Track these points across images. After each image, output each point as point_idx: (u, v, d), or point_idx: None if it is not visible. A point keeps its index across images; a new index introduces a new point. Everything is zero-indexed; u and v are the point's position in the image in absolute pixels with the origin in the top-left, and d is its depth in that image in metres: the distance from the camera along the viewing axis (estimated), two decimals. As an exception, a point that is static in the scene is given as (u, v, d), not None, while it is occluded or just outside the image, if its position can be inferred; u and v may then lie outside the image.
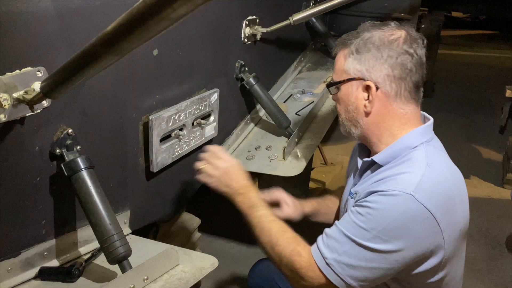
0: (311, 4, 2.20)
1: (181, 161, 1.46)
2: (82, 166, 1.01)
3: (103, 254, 1.03)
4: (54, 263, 1.11)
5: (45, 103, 0.97)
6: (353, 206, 1.08)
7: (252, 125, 1.92)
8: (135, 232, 1.35)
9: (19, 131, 0.95)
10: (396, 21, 1.15)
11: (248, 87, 1.72)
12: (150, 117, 1.25)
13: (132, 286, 0.97)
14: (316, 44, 2.54)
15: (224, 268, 2.38)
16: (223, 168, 1.24)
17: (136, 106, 1.25)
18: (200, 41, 1.44)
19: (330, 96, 1.25)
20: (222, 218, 2.80)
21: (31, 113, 0.94)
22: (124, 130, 1.23)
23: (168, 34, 1.28)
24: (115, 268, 1.04)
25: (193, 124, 1.45)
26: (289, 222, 1.21)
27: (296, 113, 1.99)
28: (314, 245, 1.09)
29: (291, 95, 2.13)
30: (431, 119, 1.18)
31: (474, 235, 2.80)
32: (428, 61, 1.16)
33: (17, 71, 0.89)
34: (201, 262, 1.13)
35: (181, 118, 1.37)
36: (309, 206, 1.46)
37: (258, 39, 1.75)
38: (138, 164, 1.32)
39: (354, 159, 1.32)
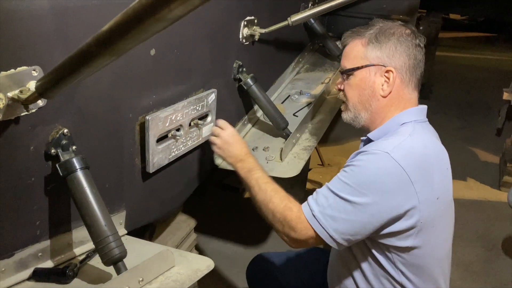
0: (310, 5, 2.20)
1: (177, 161, 1.45)
2: (77, 166, 1.00)
3: (98, 255, 1.02)
4: (49, 264, 1.10)
5: (40, 102, 0.96)
6: None
7: (249, 125, 1.91)
8: (131, 233, 1.35)
9: (14, 131, 0.93)
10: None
11: (245, 88, 1.71)
12: (147, 117, 1.24)
13: (127, 288, 0.96)
14: (314, 45, 2.53)
15: (220, 269, 2.38)
16: (224, 138, 1.40)
17: (133, 106, 1.24)
18: (198, 41, 1.43)
19: (337, 85, 1.34)
20: (218, 219, 2.80)
21: (26, 113, 0.93)
22: (120, 130, 1.22)
23: (165, 34, 1.27)
24: (110, 269, 1.03)
25: (190, 125, 1.44)
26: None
27: (293, 114, 1.98)
28: (305, 202, 1.19)
29: (289, 96, 2.12)
30: (425, 106, 1.29)
31: (470, 237, 2.80)
32: (426, 63, 1.29)
33: (12, 70, 0.88)
34: (197, 264, 1.12)
35: (178, 118, 1.36)
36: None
37: (256, 39, 1.74)
38: (134, 164, 1.31)
39: None
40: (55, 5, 0.94)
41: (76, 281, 1.07)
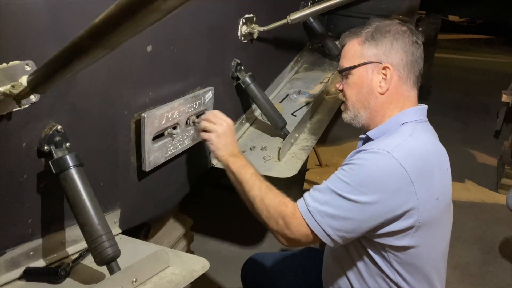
0: (309, 3, 2.18)
1: (174, 160, 1.43)
2: (71, 164, 0.98)
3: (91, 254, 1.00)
4: (41, 263, 1.08)
5: (33, 98, 0.93)
6: None
7: (247, 125, 1.90)
8: (125, 232, 1.33)
9: (6, 126, 0.91)
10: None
11: (243, 86, 1.69)
12: (143, 114, 1.22)
13: (120, 288, 0.94)
14: (313, 44, 2.52)
15: (216, 269, 2.36)
16: (219, 131, 1.35)
17: (128, 103, 1.22)
18: (195, 38, 1.41)
19: (336, 85, 1.33)
20: (214, 218, 2.79)
21: (19, 108, 0.91)
22: (115, 128, 1.20)
23: (163, 30, 1.26)
24: (103, 269, 1.01)
25: (187, 123, 1.42)
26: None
27: (292, 114, 1.97)
28: (301, 198, 1.18)
29: (287, 95, 2.11)
30: (426, 105, 1.28)
31: (467, 239, 2.79)
32: (424, 64, 1.27)
33: (4, 64, 0.86)
34: (192, 264, 1.10)
35: (174, 116, 1.34)
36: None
37: (255, 37, 1.73)
38: (130, 162, 1.29)
39: None
40: (49, -2, 0.92)
41: (68, 281, 1.04)
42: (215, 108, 1.53)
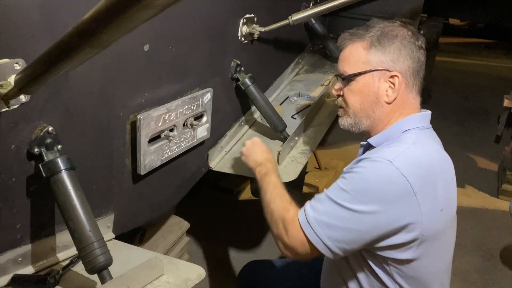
0: (311, 4, 2.15)
1: (170, 163, 1.39)
2: (62, 167, 0.94)
3: (82, 262, 0.96)
4: (29, 269, 1.04)
5: (23, 98, 0.89)
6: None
7: (246, 127, 1.86)
8: (120, 236, 1.28)
9: (-7, 127, 0.87)
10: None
11: (243, 88, 1.65)
12: (138, 116, 1.18)
13: (111, 298, 0.90)
14: (315, 46, 2.48)
15: (212, 272, 2.32)
16: (247, 145, 1.44)
17: (124, 104, 1.18)
18: (194, 38, 1.37)
19: (335, 90, 1.26)
20: (211, 221, 2.75)
21: (7, 109, 0.87)
22: (110, 130, 1.16)
23: (160, 29, 1.22)
24: (95, 277, 0.97)
25: (184, 125, 1.38)
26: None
27: (292, 116, 1.93)
28: (302, 207, 1.15)
29: (288, 97, 2.07)
30: (429, 111, 1.22)
31: (468, 246, 2.75)
32: (425, 67, 1.22)
33: (-8, 62, 0.82)
34: (187, 273, 1.07)
35: (171, 118, 1.30)
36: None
37: (256, 38, 1.69)
38: (125, 165, 1.25)
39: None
40: (41, -6, 0.88)
41: (57, 289, 1.01)
42: (214, 110, 1.49)
